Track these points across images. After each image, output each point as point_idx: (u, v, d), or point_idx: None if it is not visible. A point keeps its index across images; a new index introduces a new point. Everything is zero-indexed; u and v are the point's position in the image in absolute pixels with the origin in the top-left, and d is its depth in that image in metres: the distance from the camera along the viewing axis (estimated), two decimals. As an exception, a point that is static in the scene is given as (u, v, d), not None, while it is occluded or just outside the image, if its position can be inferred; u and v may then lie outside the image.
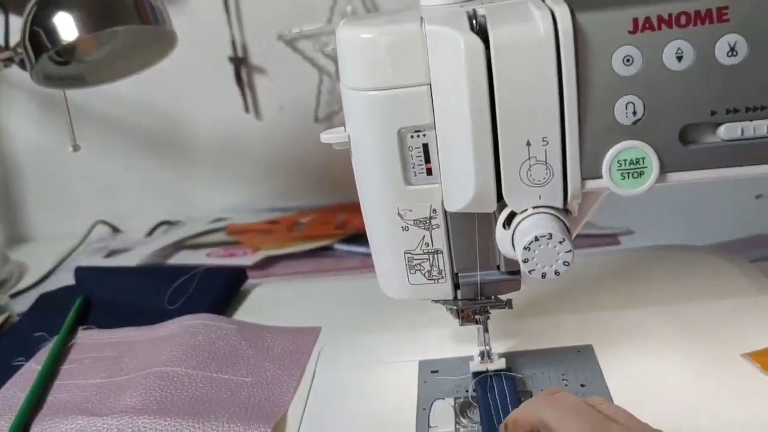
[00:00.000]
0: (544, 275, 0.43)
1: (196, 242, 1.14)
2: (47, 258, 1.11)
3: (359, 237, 1.03)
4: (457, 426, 0.52)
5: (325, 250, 1.05)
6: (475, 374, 0.56)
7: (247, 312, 0.75)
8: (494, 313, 0.57)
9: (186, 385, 0.61)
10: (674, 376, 0.55)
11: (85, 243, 1.20)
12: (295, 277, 0.93)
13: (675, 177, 0.42)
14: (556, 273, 0.43)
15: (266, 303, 0.77)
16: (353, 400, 0.57)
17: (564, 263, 0.42)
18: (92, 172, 1.23)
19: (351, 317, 0.70)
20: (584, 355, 0.58)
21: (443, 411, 0.54)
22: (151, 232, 1.22)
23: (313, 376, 0.61)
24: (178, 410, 0.57)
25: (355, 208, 1.11)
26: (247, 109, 1.18)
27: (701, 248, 0.78)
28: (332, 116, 1.16)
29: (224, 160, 1.24)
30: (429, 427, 0.52)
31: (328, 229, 1.09)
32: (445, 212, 0.48)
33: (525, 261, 0.42)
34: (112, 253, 1.16)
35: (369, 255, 0.97)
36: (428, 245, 0.49)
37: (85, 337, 0.72)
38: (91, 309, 0.78)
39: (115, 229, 1.25)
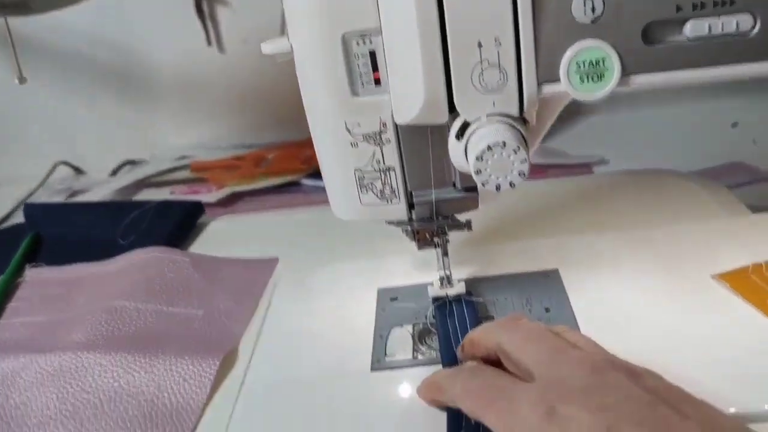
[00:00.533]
0: (498, 187, 0.40)
1: (160, 180, 1.11)
2: (7, 200, 1.07)
3: (327, 172, 1.00)
4: (415, 353, 0.50)
5: (292, 185, 1.02)
6: (435, 300, 0.53)
7: (203, 246, 0.72)
8: (456, 239, 0.54)
9: (134, 319, 0.58)
10: (643, 299, 0.52)
11: (47, 185, 1.16)
12: (258, 212, 0.90)
13: (638, 80, 0.39)
14: (511, 185, 0.40)
15: (223, 237, 0.74)
16: (309, 331, 0.54)
17: (519, 174, 0.39)
18: (50, 112, 1.18)
19: (310, 248, 0.67)
20: (550, 279, 0.56)
21: (401, 338, 0.51)
22: (114, 172, 1.18)
23: (268, 308, 0.58)
24: (125, 345, 0.55)
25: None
26: (209, 42, 1.13)
27: (675, 173, 0.75)
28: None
29: (187, 96, 1.20)
30: (386, 354, 0.50)
31: (294, 164, 1.06)
32: (396, 126, 0.45)
33: (478, 172, 0.39)
34: (74, 194, 1.13)
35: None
36: (379, 162, 0.46)
37: (34, 274, 0.69)
38: (41, 246, 0.75)
39: (78, 170, 1.21)
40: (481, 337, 0.44)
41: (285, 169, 1.05)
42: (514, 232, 0.64)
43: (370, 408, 0.46)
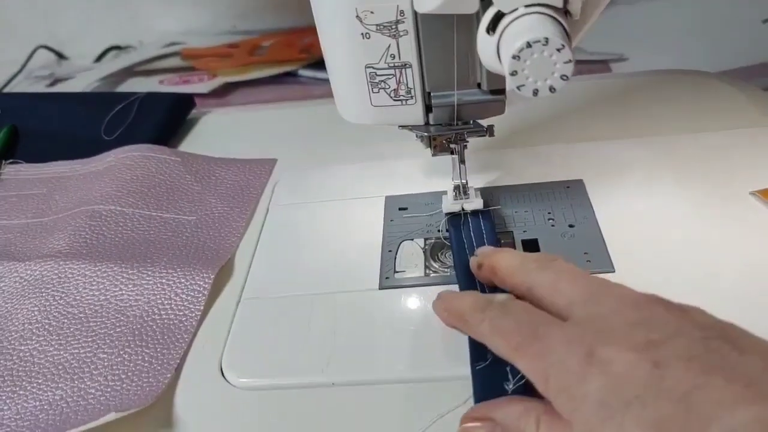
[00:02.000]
0: (536, 92, 0.34)
1: (148, 68, 1.05)
2: (-17, 87, 1.01)
3: (327, 62, 0.94)
4: (427, 270, 0.46)
5: (289, 76, 0.96)
6: (449, 213, 0.49)
7: (194, 143, 0.66)
8: (472, 143, 0.49)
9: (120, 225, 0.53)
10: (674, 213, 0.48)
11: (27, 70, 1.10)
12: (254, 106, 0.84)
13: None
14: (551, 89, 0.34)
15: (216, 133, 0.68)
16: (310, 242, 0.50)
17: (562, 77, 0.34)
18: (27, -9, 1.10)
19: (311, 148, 0.62)
20: (573, 190, 0.51)
21: (412, 253, 0.47)
22: (99, 58, 1.12)
23: (266, 214, 0.54)
24: (110, 254, 0.50)
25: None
26: None
27: (705, 74, 0.69)
28: None
29: (177, -24, 1.11)
30: (395, 271, 0.46)
31: (292, 52, 0.99)
32: (415, 15, 0.38)
33: (513, 74, 0.34)
34: (56, 82, 1.07)
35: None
36: (394, 57, 0.40)
37: (11, 172, 0.64)
38: (18, 141, 0.69)
39: (60, 56, 1.15)
40: (509, 273, 0.39)
41: (282, 58, 0.98)
42: (532, 136, 0.59)
43: (379, 329, 0.42)
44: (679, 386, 0.27)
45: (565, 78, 0.34)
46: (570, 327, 0.32)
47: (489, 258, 0.40)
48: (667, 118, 0.60)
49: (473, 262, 0.42)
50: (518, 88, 0.34)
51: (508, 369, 0.35)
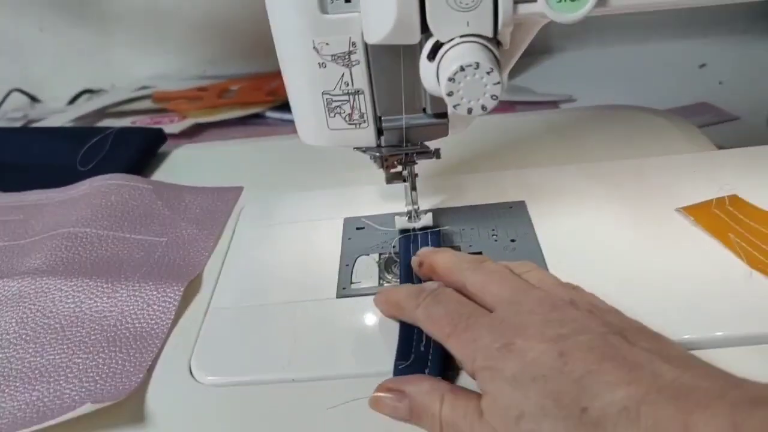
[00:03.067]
0: (470, 110, 0.39)
1: (121, 110, 1.09)
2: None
3: (292, 104, 0.99)
4: (381, 281, 0.50)
5: (256, 117, 1.01)
6: (402, 231, 0.53)
7: (166, 174, 0.70)
8: (424, 170, 0.54)
9: (95, 245, 0.57)
10: (607, 230, 0.53)
11: (0, 112, 1.12)
12: (223, 141, 0.88)
13: (617, 1, 0.38)
14: (483, 108, 0.39)
15: (186, 165, 0.72)
16: (274, 259, 0.54)
17: (492, 97, 0.39)
18: (1, 35, 1.14)
19: (275, 177, 0.66)
20: (516, 210, 0.56)
21: (367, 267, 0.51)
22: (72, 101, 1.15)
23: (232, 236, 0.58)
24: (86, 270, 0.54)
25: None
26: (171, -34, 1.10)
27: (643, 108, 0.75)
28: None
29: (150, 24, 1.16)
30: (351, 282, 0.50)
31: (259, 95, 1.04)
32: (366, 46, 0.43)
33: (450, 94, 0.39)
34: (30, 123, 1.10)
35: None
36: (348, 85, 0.45)
37: (-11, 200, 0.67)
38: (-4, 171, 0.73)
39: (33, 98, 1.18)
40: (446, 271, 0.44)
41: (249, 100, 1.03)
42: (481, 164, 0.64)
43: (335, 332, 0.46)
44: (577, 370, 0.33)
45: (494, 98, 0.39)
46: (495, 320, 0.38)
47: (428, 257, 0.46)
48: (606, 148, 0.66)
49: (415, 260, 0.47)
50: (455, 107, 0.39)
51: (426, 371, 0.41)
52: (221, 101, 1.04)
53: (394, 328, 0.45)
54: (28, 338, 0.48)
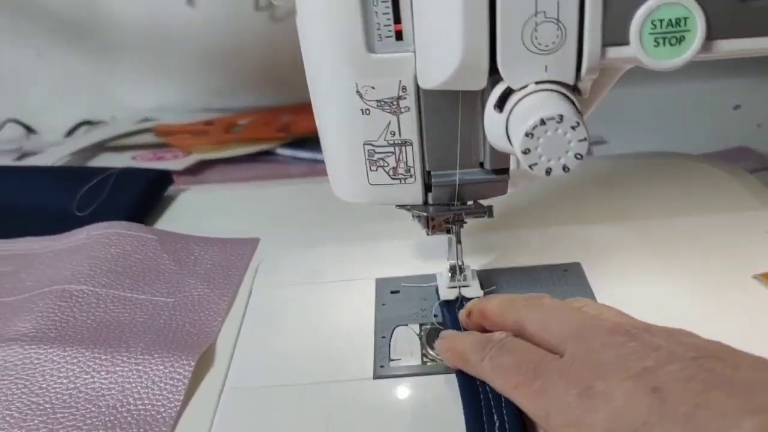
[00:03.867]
0: (549, 171, 0.33)
1: (121, 144, 1.03)
2: (-50, 160, 0.98)
3: (305, 141, 0.93)
4: (425, 358, 0.43)
5: (266, 155, 0.95)
6: (446, 300, 0.46)
7: (171, 221, 0.64)
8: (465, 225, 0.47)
9: (93, 306, 0.50)
10: (677, 300, 0.46)
11: (-6, 144, 1.07)
12: (234, 184, 0.82)
13: (725, 45, 0.32)
14: (565, 168, 0.33)
15: (194, 211, 0.66)
16: (297, 327, 0.47)
17: (576, 156, 0.33)
18: (-1, 63, 1.08)
19: (295, 228, 0.60)
20: (572, 273, 0.49)
21: (407, 339, 0.45)
22: (70, 133, 1.10)
23: (249, 297, 0.51)
24: (81, 337, 0.47)
25: (301, 109, 0.99)
26: (177, -7, 1.04)
27: (687, 155, 0.69)
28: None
29: (152, 53, 1.11)
30: (390, 359, 0.43)
31: (269, 131, 0.98)
32: (418, 91, 0.37)
33: (526, 152, 0.32)
34: (24, 155, 1.04)
35: (316, 161, 0.86)
36: (394, 134, 0.39)
37: (-25, 248, 0.61)
38: (-16, 215, 0.66)
39: (29, 129, 1.12)
40: (498, 313, 0.40)
41: (259, 136, 0.97)
42: (521, 218, 0.57)
43: (376, 422, 0.39)
44: (681, 407, 0.28)
45: (579, 157, 0.33)
46: (566, 364, 0.33)
47: (478, 304, 0.42)
48: (655, 200, 0.59)
49: (462, 312, 0.43)
50: (531, 166, 0.33)
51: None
52: (228, 136, 0.98)
53: (452, 413, 0.38)
54: (13, 421, 0.41)
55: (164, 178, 0.68)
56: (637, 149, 0.80)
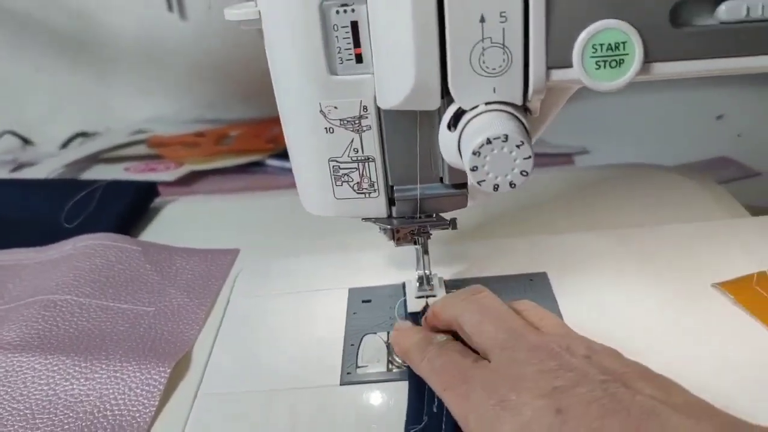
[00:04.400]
0: (496, 187, 0.34)
1: (114, 155, 1.04)
2: (-54, 172, 1.00)
3: (294, 152, 0.95)
4: (390, 365, 0.45)
5: (256, 165, 0.97)
6: (413, 313, 0.48)
7: (157, 233, 0.65)
8: (435, 235, 0.49)
9: (76, 315, 0.52)
10: (639, 309, 0.48)
11: (-10, 156, 1.08)
12: (219, 195, 0.84)
13: (661, 68, 0.34)
14: (512, 185, 0.35)
15: (179, 222, 0.68)
16: (272, 335, 0.49)
17: (522, 173, 0.34)
18: (-4, 76, 1.10)
19: (274, 238, 0.62)
20: (537, 283, 0.51)
21: (374, 347, 0.46)
22: (65, 144, 1.11)
23: (227, 306, 0.53)
24: (63, 346, 0.49)
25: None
26: (170, 8, 1.06)
27: (664, 168, 0.71)
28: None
29: (146, 66, 1.12)
30: (357, 366, 0.45)
31: (259, 143, 0.99)
32: (378, 111, 0.39)
33: (474, 169, 0.34)
34: (20, 167, 1.06)
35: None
36: (357, 151, 0.40)
37: (-36, 259, 0.62)
38: (-27, 226, 0.68)
39: (26, 141, 1.14)
40: (441, 310, 0.42)
41: (249, 148, 0.99)
42: (496, 229, 0.59)
43: (337, 426, 0.41)
44: (580, 429, 0.30)
45: (524, 174, 0.34)
46: (489, 373, 0.35)
47: (431, 307, 0.43)
48: (628, 211, 0.61)
49: (423, 320, 0.44)
50: (479, 183, 0.34)
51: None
52: (219, 148, 1.00)
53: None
54: (-6, 426, 0.43)
55: (150, 190, 0.70)
56: (620, 159, 0.82)
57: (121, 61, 1.11)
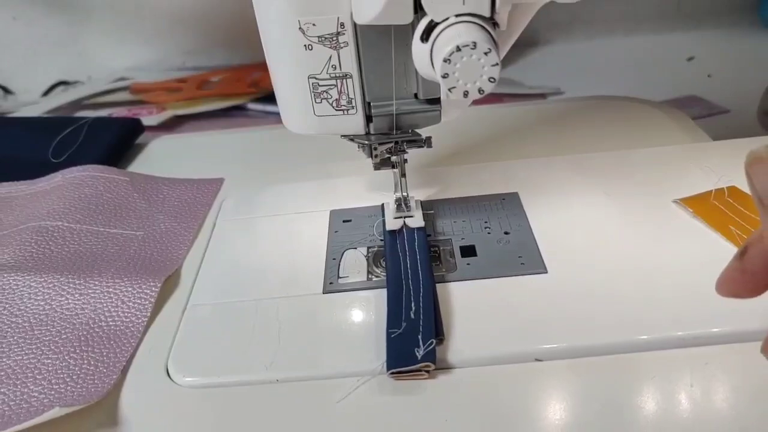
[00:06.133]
0: (466, 93, 0.37)
1: (97, 102, 1.05)
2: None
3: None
4: (370, 275, 0.47)
5: (238, 109, 0.98)
6: (391, 231, 0.51)
7: (143, 166, 0.67)
8: (413, 160, 0.51)
9: (67, 240, 0.54)
10: (605, 222, 0.51)
11: (-30, 105, 1.09)
12: (203, 132, 0.85)
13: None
14: (480, 91, 0.37)
15: (164, 157, 0.70)
16: (256, 253, 0.51)
17: (489, 79, 0.36)
18: (-28, 25, 1.10)
19: (258, 169, 0.64)
20: (509, 202, 0.53)
21: (355, 260, 0.49)
22: (46, 93, 1.12)
23: (213, 229, 0.55)
24: (57, 266, 0.51)
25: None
26: (150, -49, 1.06)
27: (635, 99, 0.73)
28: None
29: (126, 13, 1.12)
30: (339, 276, 0.47)
31: (241, 87, 1.01)
32: (355, 27, 0.41)
33: (445, 76, 0.36)
34: (1, 115, 1.06)
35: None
36: (335, 68, 0.42)
37: (-45, 193, 0.64)
38: (-39, 164, 0.69)
39: (6, 90, 1.14)
40: None
41: (230, 92, 1.00)
42: (471, 155, 0.62)
43: (321, 330, 0.43)
44: None
45: (492, 80, 0.37)
46: None
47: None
48: (598, 138, 0.64)
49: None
50: (450, 90, 0.37)
51: (419, 337, 0.40)
52: (201, 92, 1.01)
53: (384, 323, 0.42)
54: (-6, 338, 0.46)
55: (136, 125, 0.72)
56: (592, 98, 0.84)
57: (101, 8, 1.11)
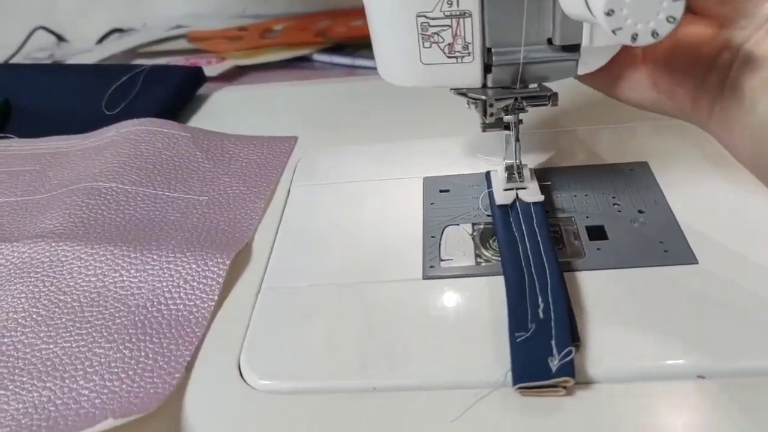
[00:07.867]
0: (635, 37, 0.28)
1: (152, 50, 0.98)
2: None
3: (343, 46, 0.88)
4: (478, 259, 0.39)
5: (303, 60, 0.90)
6: (501, 207, 0.42)
7: (205, 120, 0.60)
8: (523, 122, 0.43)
9: (122, 204, 0.47)
10: (747, 197, 0.41)
11: (24, 53, 1.04)
12: (270, 84, 0.78)
13: None
14: (654, 34, 0.28)
15: (228, 110, 0.62)
16: (339, 225, 0.44)
17: (669, 19, 0.28)
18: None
19: (334, 126, 0.56)
20: (638, 173, 0.45)
21: (459, 240, 0.41)
22: (100, 41, 1.06)
23: (287, 196, 0.48)
24: (110, 235, 0.44)
25: (339, 14, 0.94)
26: None
27: None
28: None
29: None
30: (441, 259, 0.39)
31: (306, 36, 0.92)
32: (479, -49, 0.32)
33: (609, 13, 0.28)
34: (54, 63, 1.00)
35: (354, 67, 0.82)
36: (452, 4, 0.34)
37: (2, 147, 0.58)
38: (10, 115, 0.63)
39: (60, 38, 1.09)
40: None
41: (295, 41, 0.92)
42: (588, 115, 0.52)
43: (425, 325, 0.36)
44: None
45: (672, 20, 0.28)
46: None
47: None
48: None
49: None
50: (614, 31, 0.28)
51: (552, 343, 0.32)
52: (264, 41, 0.93)
53: (503, 321, 0.34)
54: (39, 319, 0.39)
55: (197, 75, 0.65)
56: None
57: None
